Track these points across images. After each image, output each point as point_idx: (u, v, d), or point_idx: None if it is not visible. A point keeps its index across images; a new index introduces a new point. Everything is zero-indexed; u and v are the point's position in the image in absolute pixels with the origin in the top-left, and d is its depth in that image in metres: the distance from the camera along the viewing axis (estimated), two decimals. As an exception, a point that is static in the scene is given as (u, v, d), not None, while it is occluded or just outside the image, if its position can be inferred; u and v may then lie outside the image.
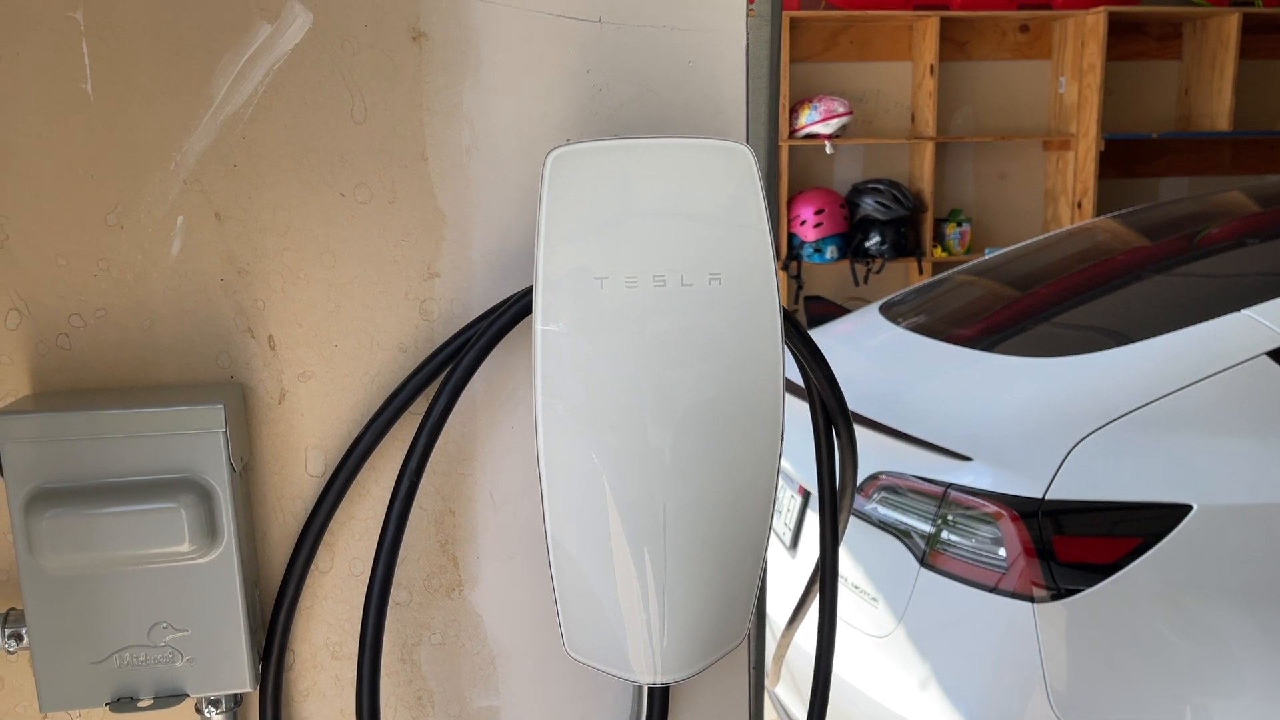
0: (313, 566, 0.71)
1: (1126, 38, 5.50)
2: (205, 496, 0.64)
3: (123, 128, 0.64)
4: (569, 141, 0.65)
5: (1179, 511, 1.74)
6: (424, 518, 0.72)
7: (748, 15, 0.71)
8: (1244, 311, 1.96)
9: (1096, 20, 5.13)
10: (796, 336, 0.70)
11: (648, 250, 0.61)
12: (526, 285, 0.67)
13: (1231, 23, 5.20)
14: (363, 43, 0.66)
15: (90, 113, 0.64)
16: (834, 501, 0.77)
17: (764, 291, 0.63)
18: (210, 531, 0.64)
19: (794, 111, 5.23)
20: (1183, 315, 2.04)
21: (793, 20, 5.14)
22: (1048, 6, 5.31)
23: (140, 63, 0.64)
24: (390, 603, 0.73)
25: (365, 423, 0.69)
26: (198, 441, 0.64)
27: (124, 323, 0.67)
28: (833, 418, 0.75)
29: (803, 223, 5.30)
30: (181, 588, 0.65)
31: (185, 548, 0.63)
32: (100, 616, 0.65)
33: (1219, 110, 5.32)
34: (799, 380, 0.78)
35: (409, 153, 0.68)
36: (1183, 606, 1.74)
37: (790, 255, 5.39)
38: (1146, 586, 1.73)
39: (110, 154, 0.64)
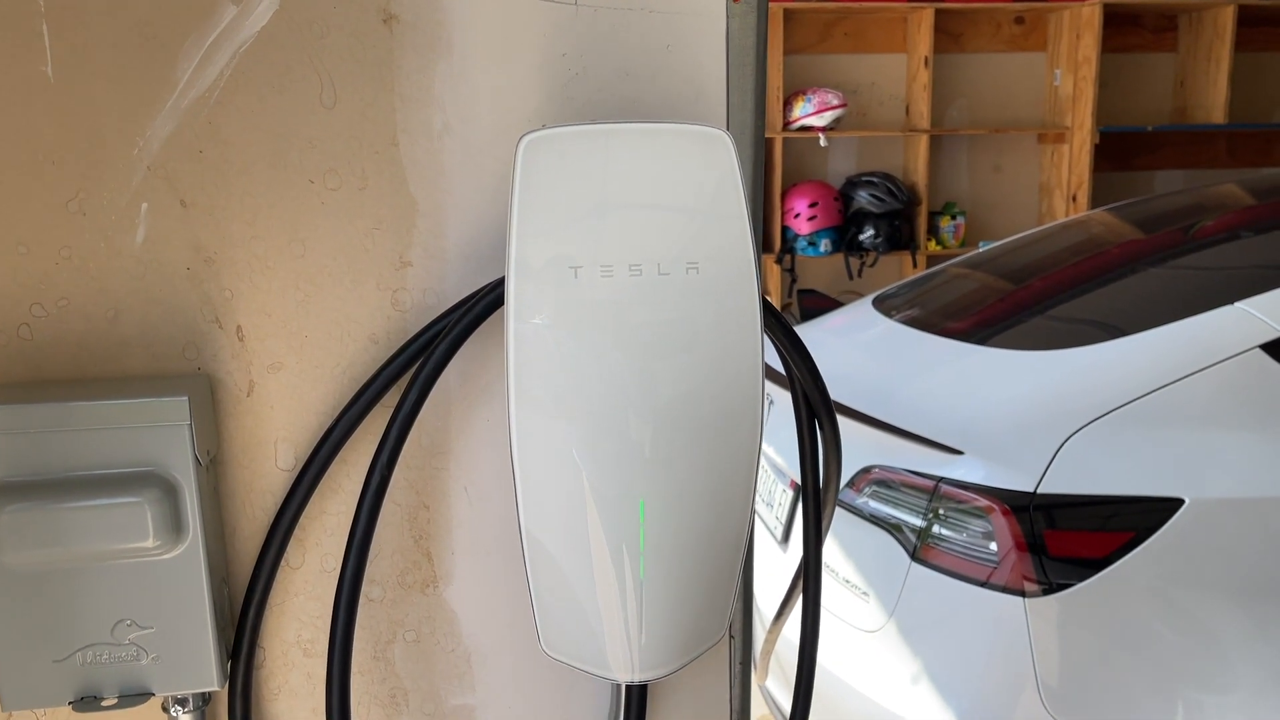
0: (283, 562, 0.70)
1: (1122, 30, 5.49)
2: (170, 491, 0.62)
3: (84, 112, 0.63)
4: (544, 126, 0.63)
5: (1171, 505, 1.73)
6: (397, 513, 0.71)
7: (731, 2, 0.69)
8: (1237, 305, 1.95)
9: (1092, 12, 5.11)
10: (777, 327, 0.69)
11: (624, 239, 0.60)
12: (500, 275, 0.66)
13: (1227, 15, 5.18)
14: (331, 25, 0.64)
15: (50, 96, 0.62)
16: (818, 493, 0.75)
17: (743, 281, 0.61)
18: (175, 527, 0.63)
19: (788, 104, 5.21)
20: (1176, 308, 2.03)
21: (786, 12, 5.12)
22: (1043, -2, 5.30)
23: (102, 45, 0.62)
24: (363, 599, 0.71)
25: (336, 415, 0.67)
26: (162, 435, 0.62)
27: (87, 313, 0.65)
28: (815, 409, 0.74)
29: (796, 215, 5.28)
30: (146, 584, 0.64)
31: (149, 543, 0.62)
32: (63, 613, 0.63)
33: (1214, 103, 5.31)
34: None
35: (380, 138, 0.66)
36: (1175, 601, 1.73)
37: (784, 248, 5.37)
38: (1138, 581, 1.72)
39: (71, 139, 0.63)
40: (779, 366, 0.78)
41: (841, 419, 2.00)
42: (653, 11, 0.67)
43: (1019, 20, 5.47)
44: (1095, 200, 5.32)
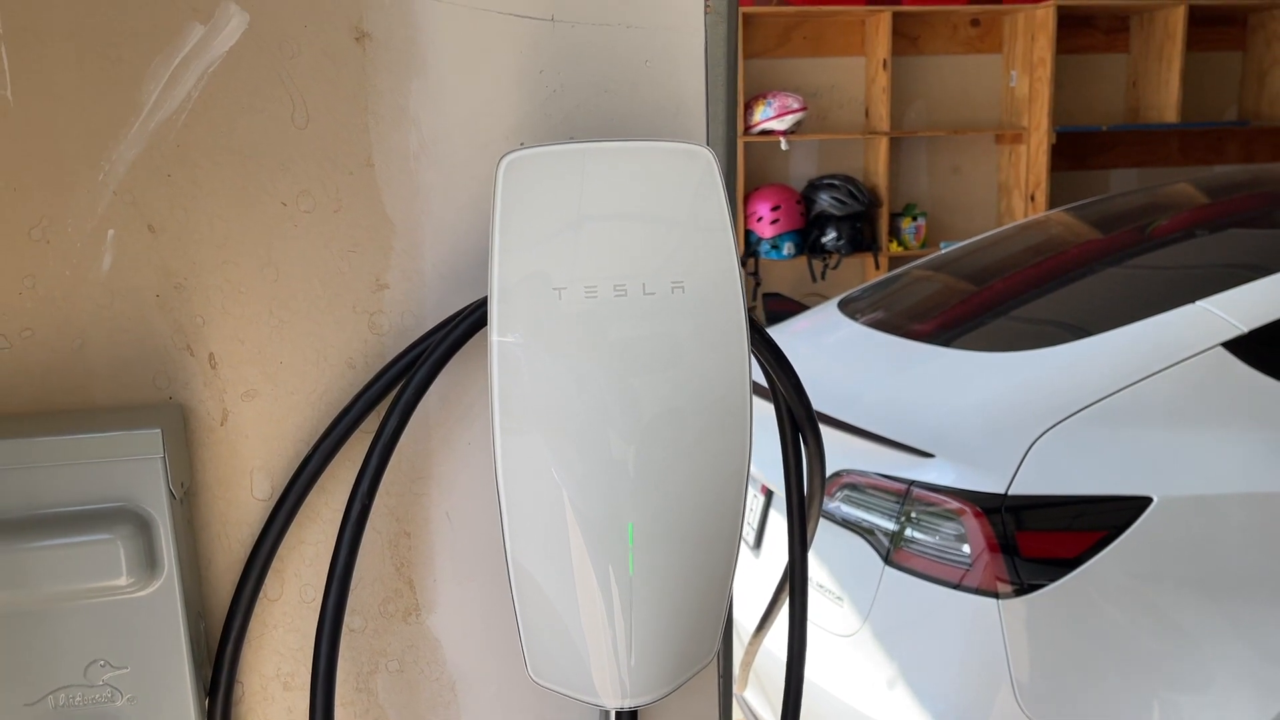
0: (261, 594, 0.68)
1: (1075, 31, 5.56)
2: (143, 526, 0.60)
3: (46, 136, 0.61)
4: (522, 145, 0.62)
5: (1140, 504, 1.75)
6: (378, 540, 0.69)
7: (705, 12, 0.68)
8: (1198, 303, 1.98)
9: (1046, 14, 5.18)
10: (762, 344, 0.68)
11: (607, 258, 0.59)
12: (481, 296, 0.65)
13: (1178, 15, 5.27)
14: (303, 44, 0.63)
15: (11, 120, 0.60)
16: (803, 510, 0.75)
17: (729, 299, 0.61)
18: (149, 563, 0.61)
19: (748, 108, 5.23)
20: (1138, 308, 2.05)
21: (746, 16, 5.14)
22: (998, 1, 5.36)
23: (64, 67, 0.60)
24: (344, 630, 0.70)
25: (313, 443, 0.66)
26: (134, 468, 0.60)
27: (52, 344, 0.63)
28: (800, 425, 0.73)
29: (759, 219, 5.30)
30: (120, 623, 0.61)
31: (123, 581, 0.60)
32: (33, 655, 0.61)
33: (1166, 102, 5.40)
34: (762, 382, 0.76)
35: (354, 159, 0.64)
36: (1146, 598, 1.75)
37: (748, 252, 5.39)
38: (1110, 579, 1.74)
39: (33, 164, 0.61)
40: (755, 376, 0.77)
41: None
42: (630, 26, 0.66)
43: (975, 23, 5.53)
44: (1053, 199, 5.39)
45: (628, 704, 0.64)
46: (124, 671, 0.62)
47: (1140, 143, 5.80)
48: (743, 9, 5.09)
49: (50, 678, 0.61)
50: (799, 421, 0.73)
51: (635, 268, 0.59)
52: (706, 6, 0.68)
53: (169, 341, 0.64)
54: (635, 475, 0.60)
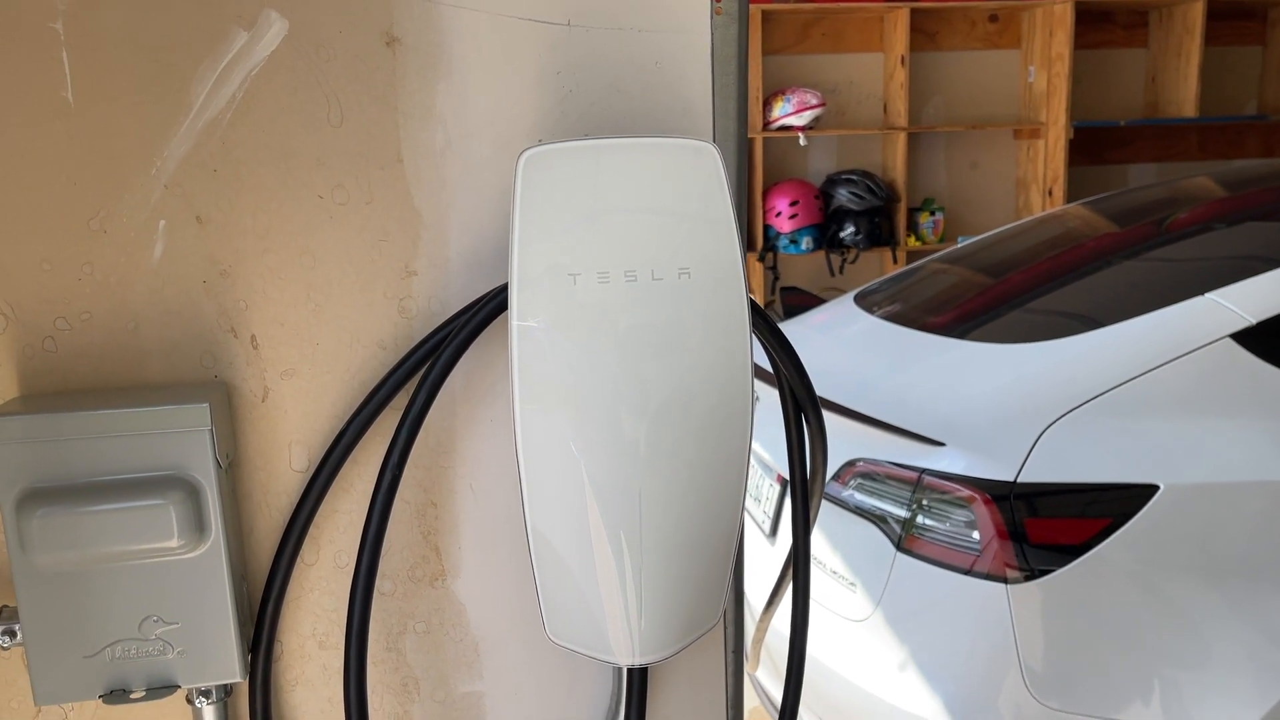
0: (299, 559, 0.73)
1: (1093, 27, 5.56)
2: (192, 493, 0.66)
3: (103, 134, 0.66)
4: (541, 142, 0.67)
5: (1146, 492, 1.78)
6: (406, 510, 0.74)
7: (714, 14, 0.73)
8: (1208, 295, 2.00)
9: (1064, 9, 5.18)
10: (765, 327, 0.73)
11: (619, 247, 0.64)
12: (502, 282, 0.69)
13: (1196, 10, 5.26)
14: (337, 48, 0.68)
15: (71, 120, 0.65)
16: (805, 487, 0.79)
17: (732, 284, 0.65)
18: (198, 527, 0.66)
19: (767, 104, 5.25)
20: (1150, 299, 2.08)
21: (765, 13, 5.16)
22: (1016, -4, 5.35)
23: (120, 71, 0.66)
24: (375, 593, 0.75)
25: (347, 418, 0.71)
26: (184, 440, 0.66)
27: (109, 325, 0.68)
28: (802, 406, 0.78)
29: (778, 214, 5.32)
30: (171, 582, 0.67)
31: (174, 543, 0.65)
32: (92, 611, 0.66)
33: (1185, 97, 5.39)
34: (769, 369, 0.80)
35: (385, 155, 0.69)
36: (1151, 584, 1.78)
37: (766, 246, 5.42)
38: (1116, 565, 1.77)
39: (91, 160, 0.66)
40: (765, 364, 0.82)
41: (826, 413, 2.05)
42: (641, 30, 0.71)
43: (993, 18, 5.54)
44: (1071, 194, 5.39)
45: (639, 661, 0.68)
46: (175, 627, 0.67)
47: (1159, 137, 5.79)
48: (762, 6, 5.11)
49: (107, 632, 0.67)
50: (801, 401, 0.77)
51: (645, 255, 0.64)
52: (716, 8, 0.73)
53: (215, 324, 0.70)
54: (645, 449, 0.65)
